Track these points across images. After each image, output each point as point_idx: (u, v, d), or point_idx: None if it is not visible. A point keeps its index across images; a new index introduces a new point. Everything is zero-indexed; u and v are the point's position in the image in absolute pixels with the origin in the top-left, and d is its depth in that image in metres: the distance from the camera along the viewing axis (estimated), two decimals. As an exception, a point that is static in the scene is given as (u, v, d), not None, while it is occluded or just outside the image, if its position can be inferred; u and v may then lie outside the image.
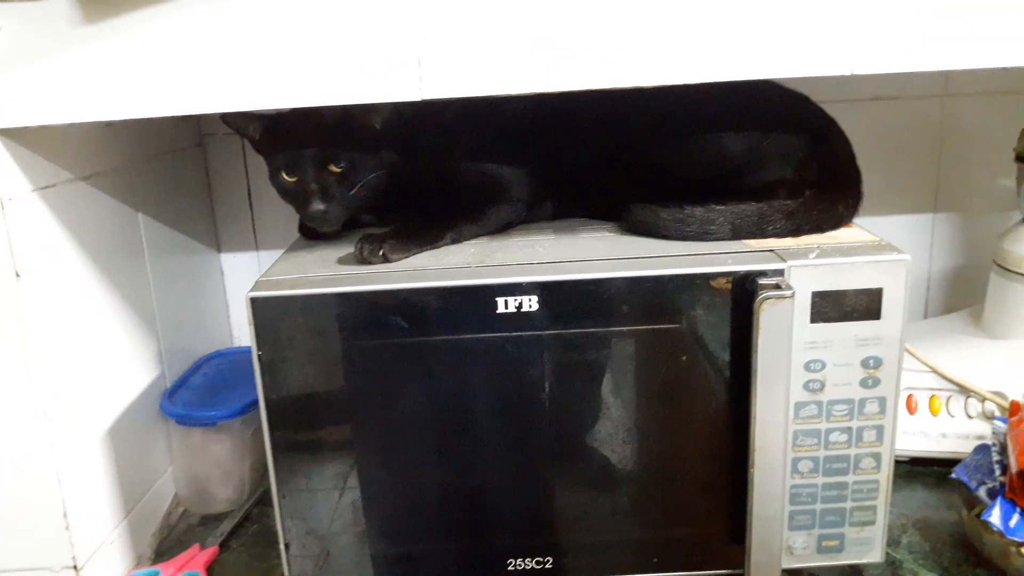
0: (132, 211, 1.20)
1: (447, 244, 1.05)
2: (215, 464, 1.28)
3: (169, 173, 1.33)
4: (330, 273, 0.98)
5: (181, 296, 1.35)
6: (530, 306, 0.92)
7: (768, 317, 0.89)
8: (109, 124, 1.07)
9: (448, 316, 0.92)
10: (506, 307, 0.91)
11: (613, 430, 0.99)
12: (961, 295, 1.56)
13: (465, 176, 1.13)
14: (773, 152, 1.05)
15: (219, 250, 1.51)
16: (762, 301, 0.89)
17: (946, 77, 1.44)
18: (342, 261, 1.03)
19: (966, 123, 1.46)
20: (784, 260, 0.93)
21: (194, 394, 1.30)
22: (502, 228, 1.11)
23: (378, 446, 1.00)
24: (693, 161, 1.07)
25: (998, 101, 1.44)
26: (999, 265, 1.32)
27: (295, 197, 1.06)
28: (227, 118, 1.05)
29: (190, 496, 1.30)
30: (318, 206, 1.04)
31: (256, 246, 1.50)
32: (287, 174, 1.05)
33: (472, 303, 0.91)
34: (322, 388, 0.97)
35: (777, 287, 0.90)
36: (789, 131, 1.06)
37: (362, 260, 0.98)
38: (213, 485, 1.29)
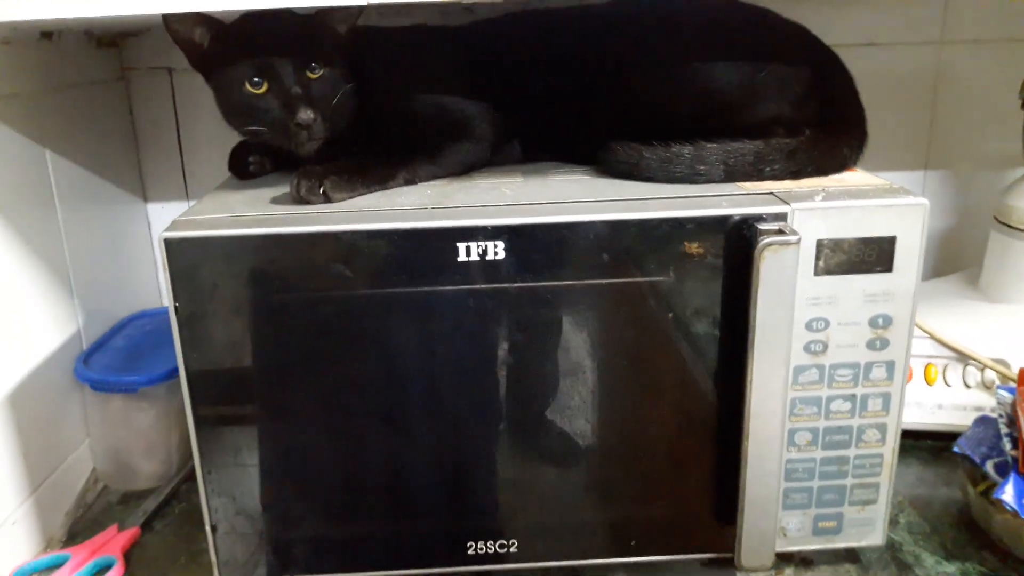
0: (38, 147, 1.07)
1: (400, 185, 0.94)
2: (138, 435, 1.17)
3: (84, 108, 1.21)
4: (261, 213, 0.85)
5: (100, 248, 1.24)
6: (496, 253, 0.81)
7: (770, 267, 0.78)
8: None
9: (400, 265, 0.81)
10: (468, 254, 0.81)
11: (587, 397, 0.87)
12: (952, 259, 1.46)
13: (422, 109, 1.01)
14: (769, 86, 0.94)
15: (145, 199, 1.39)
16: (763, 248, 0.78)
17: (943, 22, 1.33)
18: (276, 201, 0.90)
19: (963, 72, 1.38)
20: (787, 203, 0.81)
21: (114, 357, 1.19)
22: (464, 170, 1.01)
23: (317, 415, 0.87)
24: (679, 95, 0.96)
25: (997, 49, 1.36)
26: (1001, 222, 1.22)
27: (266, 111, 0.91)
28: (171, 21, 0.89)
29: (109, 471, 1.20)
30: (307, 113, 0.89)
31: (187, 195, 1.39)
32: (256, 82, 0.90)
33: (428, 249, 0.81)
34: (251, 347, 0.84)
35: (780, 232, 0.79)
36: (787, 63, 0.95)
37: (299, 199, 0.86)
38: (135, 459, 1.18)
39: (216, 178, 1.06)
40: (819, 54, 1.00)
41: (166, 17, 0.88)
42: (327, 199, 0.87)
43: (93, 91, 1.24)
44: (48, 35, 1.09)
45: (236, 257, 0.81)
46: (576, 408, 0.87)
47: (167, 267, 0.80)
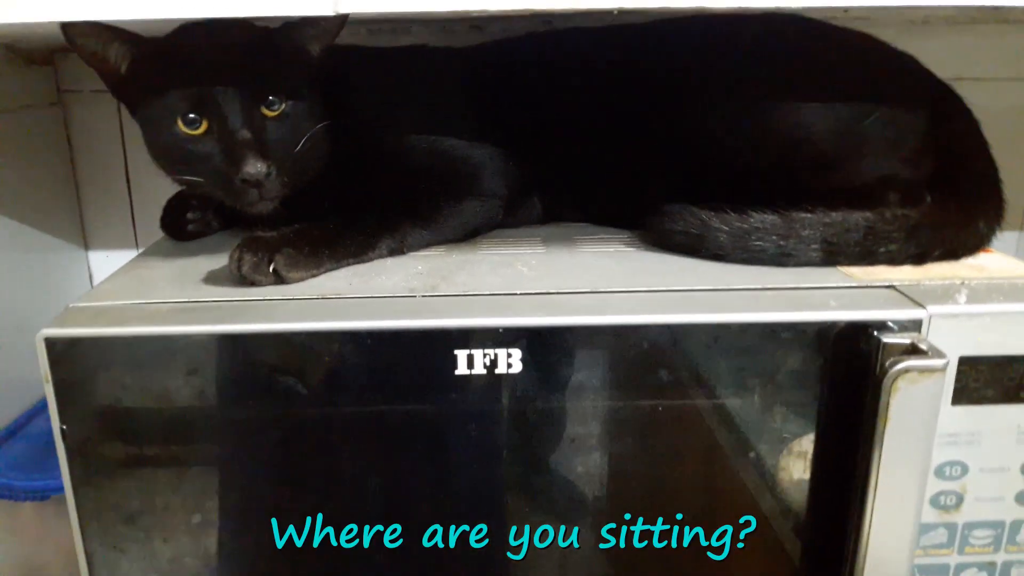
0: None
1: (382, 256, 0.75)
2: (54, 548, 0.97)
3: (7, 139, 1.03)
4: (187, 299, 0.65)
5: (23, 308, 1.05)
6: (508, 365, 0.60)
7: (905, 399, 0.58)
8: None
9: (375, 378, 0.61)
10: (470, 366, 0.60)
11: (633, 561, 0.66)
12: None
13: (414, 155, 0.81)
14: (876, 136, 0.75)
15: (86, 246, 1.21)
16: (897, 375, 0.56)
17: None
18: (211, 279, 0.69)
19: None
20: (920, 304, 0.60)
21: (29, 449, 0.99)
22: (467, 235, 0.83)
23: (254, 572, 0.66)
24: (756, 145, 0.76)
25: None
26: None
27: (204, 159, 0.72)
28: (78, 35, 0.70)
29: None
30: (256, 166, 0.70)
31: (136, 242, 1.20)
32: (191, 119, 0.71)
33: (416, 359, 0.61)
34: (169, 482, 0.64)
35: (917, 351, 0.56)
36: (898, 106, 0.76)
37: (242, 279, 0.67)
38: None
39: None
40: (937, 94, 0.79)
41: (67, 30, 0.67)
42: (279, 279, 0.67)
43: (20, 118, 1.06)
44: (-45, 51, 0.89)
45: (149, 365, 0.60)
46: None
47: (49, 376, 0.59)
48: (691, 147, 0.78)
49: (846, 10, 0.81)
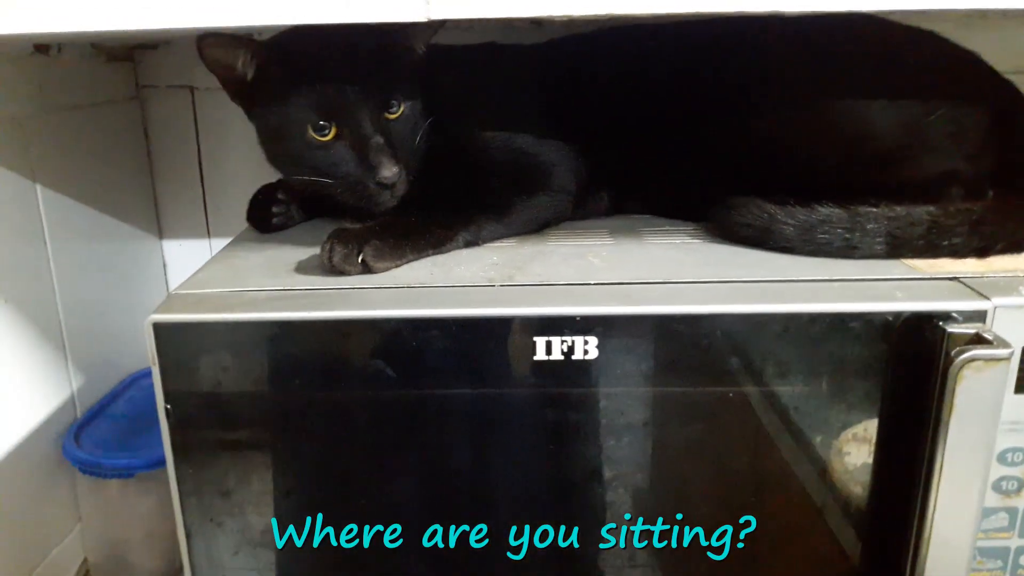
0: (26, 180, 0.93)
1: (458, 248, 0.77)
2: (137, 523, 1.02)
3: (89, 132, 1.07)
4: (280, 287, 0.68)
5: (102, 295, 1.09)
6: (585, 352, 0.62)
7: (970, 388, 0.59)
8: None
9: (457, 363, 0.64)
10: (548, 352, 0.62)
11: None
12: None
13: (489, 152, 0.83)
14: (940, 132, 0.76)
15: (160, 236, 1.25)
16: (963, 364, 0.57)
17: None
18: (302, 269, 0.72)
19: None
20: (984, 296, 0.61)
21: (112, 429, 1.04)
22: (538, 228, 0.84)
23: (346, 546, 0.68)
24: (821, 141, 0.77)
25: None
26: None
27: (335, 165, 0.74)
28: (208, 46, 0.72)
29: (104, 563, 1.05)
30: (392, 169, 0.72)
31: (208, 232, 1.24)
32: (322, 126, 0.73)
33: (496, 344, 0.63)
34: (263, 460, 0.68)
35: (982, 341, 0.58)
36: (962, 102, 0.77)
37: (332, 269, 0.70)
38: (133, 551, 1.03)
39: (242, 212, 0.91)
40: (999, 89, 0.80)
41: (201, 41, 0.70)
42: (367, 269, 0.70)
43: (101, 112, 1.10)
44: (43, 48, 0.93)
45: (248, 347, 0.64)
46: (682, 556, 0.66)
47: (156, 359, 0.62)
48: (756, 142, 0.80)
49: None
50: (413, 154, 0.76)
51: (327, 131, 0.73)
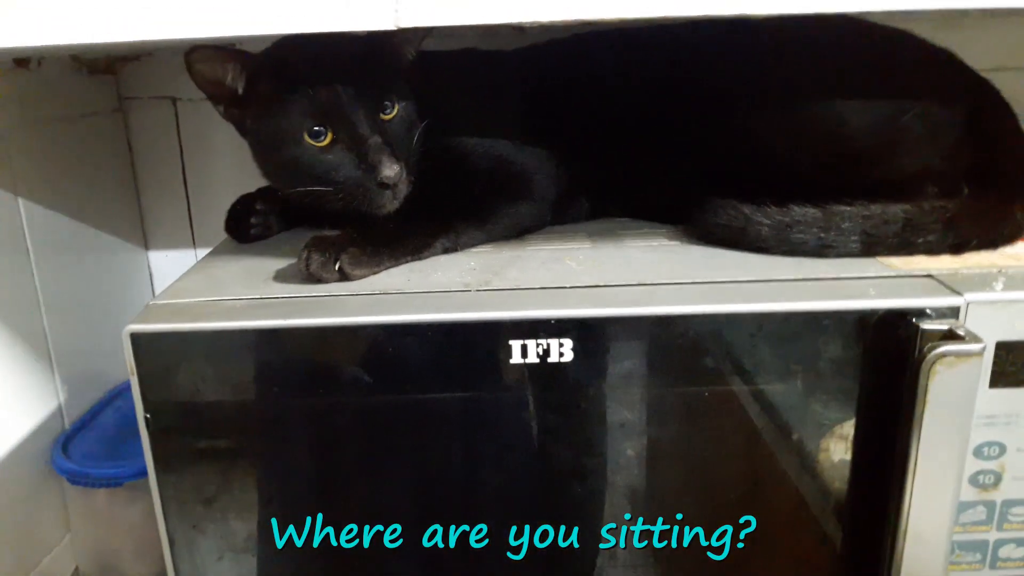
0: (7, 194, 0.93)
1: (437, 254, 0.78)
2: (126, 532, 1.01)
3: (73, 145, 1.07)
4: (258, 295, 0.68)
5: (88, 306, 1.09)
6: (560, 355, 0.63)
7: (943, 383, 0.59)
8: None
9: (434, 367, 0.64)
10: (524, 355, 0.63)
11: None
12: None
13: (470, 158, 0.82)
14: (915, 131, 0.76)
15: (146, 246, 1.25)
16: (935, 360, 0.57)
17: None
18: (280, 277, 0.72)
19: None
20: (957, 292, 0.61)
21: (100, 439, 1.04)
22: (518, 235, 0.84)
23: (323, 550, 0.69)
24: (797, 141, 0.77)
25: None
26: None
27: (335, 169, 0.73)
28: (196, 60, 0.71)
29: (94, 572, 1.05)
30: (393, 168, 0.71)
31: (194, 242, 1.25)
32: (317, 131, 0.72)
33: (472, 348, 0.64)
34: (243, 466, 0.68)
35: (954, 336, 0.58)
36: (936, 101, 0.77)
37: (309, 276, 0.70)
38: (123, 559, 1.03)
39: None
40: (974, 87, 0.80)
41: (189, 56, 0.69)
42: (344, 277, 0.70)
43: (83, 125, 1.10)
44: (23, 62, 0.93)
45: (226, 356, 0.64)
46: (661, 554, 0.67)
47: (135, 368, 0.62)
48: (732, 144, 0.80)
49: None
50: (412, 154, 0.75)
51: (323, 136, 0.72)
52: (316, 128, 0.72)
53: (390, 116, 0.74)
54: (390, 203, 0.73)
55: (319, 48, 0.73)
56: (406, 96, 0.75)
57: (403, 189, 0.73)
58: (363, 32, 0.72)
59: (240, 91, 0.74)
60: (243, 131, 0.78)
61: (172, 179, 1.21)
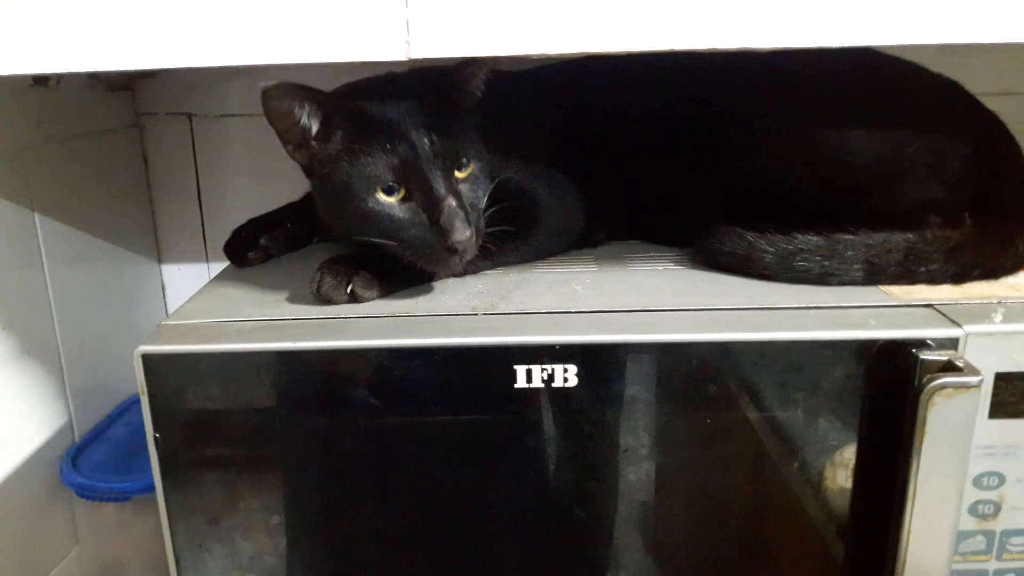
0: (23, 209, 0.94)
1: (446, 278, 0.77)
2: (133, 546, 1.01)
3: (89, 161, 1.08)
4: (269, 317, 0.69)
5: (100, 320, 1.10)
6: (565, 380, 0.63)
7: (941, 415, 0.60)
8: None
9: (440, 391, 0.65)
10: (528, 380, 0.63)
11: (680, 565, 0.69)
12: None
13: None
14: (919, 162, 0.77)
15: (160, 260, 1.25)
16: (934, 391, 0.58)
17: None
18: (291, 298, 0.73)
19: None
20: (957, 324, 0.62)
21: (110, 452, 1.04)
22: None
23: (326, 572, 0.71)
24: (802, 170, 0.78)
25: None
26: None
27: (406, 226, 0.69)
28: (272, 97, 0.67)
29: None
30: (466, 233, 0.68)
31: (207, 256, 1.25)
32: (391, 187, 0.69)
33: (477, 373, 0.64)
34: (250, 487, 0.68)
35: (953, 368, 0.59)
36: (941, 132, 0.77)
37: (320, 298, 0.70)
38: (131, 573, 1.03)
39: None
40: (978, 118, 0.80)
41: (265, 93, 0.66)
42: (354, 299, 0.70)
43: (100, 141, 1.10)
44: (43, 80, 0.94)
45: (236, 378, 0.65)
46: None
47: (145, 388, 0.63)
48: (740, 172, 0.80)
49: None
50: (481, 216, 0.72)
51: (396, 192, 0.69)
52: (390, 184, 0.69)
53: (465, 175, 0.71)
54: (456, 267, 0.71)
55: (395, 95, 0.71)
56: (480, 154, 0.73)
57: (471, 253, 0.70)
58: (438, 73, 0.72)
59: (313, 132, 0.70)
60: (309, 173, 0.75)
61: (186, 194, 1.22)
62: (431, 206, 0.68)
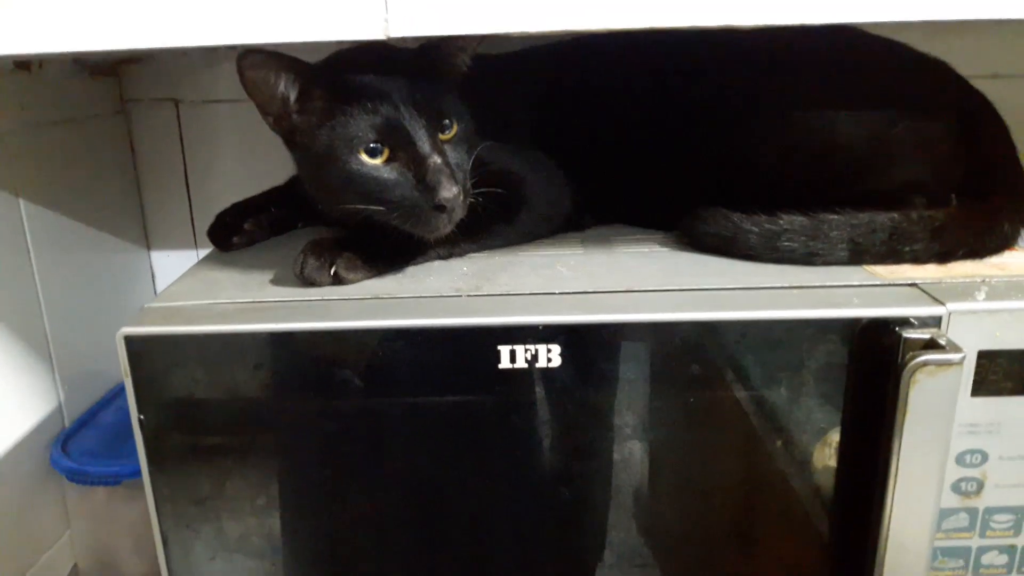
0: (8, 195, 0.93)
1: (431, 260, 0.78)
2: (124, 529, 1.01)
3: (75, 147, 1.07)
4: (251, 299, 0.69)
5: (89, 306, 1.09)
6: (548, 360, 0.63)
7: (923, 392, 0.60)
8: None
9: (424, 371, 0.65)
10: (512, 360, 0.63)
11: (665, 543, 0.70)
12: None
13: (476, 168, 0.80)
14: (905, 143, 0.76)
15: (148, 247, 1.25)
16: (915, 369, 0.58)
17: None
18: (275, 281, 0.73)
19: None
20: (940, 302, 0.62)
21: (100, 437, 1.04)
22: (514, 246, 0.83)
23: (314, 552, 0.70)
24: (789, 152, 0.78)
25: None
26: None
27: (392, 187, 0.69)
28: (249, 66, 0.67)
29: (93, 569, 1.05)
30: (452, 190, 0.68)
31: (195, 243, 1.24)
32: (374, 148, 0.69)
33: (462, 353, 0.64)
34: (236, 468, 0.69)
35: (935, 346, 0.59)
36: (928, 113, 0.77)
37: (304, 279, 0.70)
38: (122, 556, 1.03)
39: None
40: (966, 99, 0.80)
41: (241, 60, 0.66)
42: (338, 281, 0.70)
43: (85, 127, 1.10)
44: (24, 64, 0.94)
45: (218, 360, 0.65)
46: (647, 561, 0.67)
47: (128, 371, 0.63)
48: (726, 154, 0.80)
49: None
50: (467, 176, 0.71)
51: (380, 153, 0.69)
52: (373, 144, 0.69)
53: (449, 136, 0.71)
54: (444, 227, 0.70)
55: (376, 61, 0.71)
56: (463, 116, 0.73)
57: (458, 213, 0.69)
58: (421, 43, 0.71)
59: (292, 101, 0.71)
60: (291, 144, 0.75)
61: (174, 180, 1.21)
62: (416, 165, 0.68)
